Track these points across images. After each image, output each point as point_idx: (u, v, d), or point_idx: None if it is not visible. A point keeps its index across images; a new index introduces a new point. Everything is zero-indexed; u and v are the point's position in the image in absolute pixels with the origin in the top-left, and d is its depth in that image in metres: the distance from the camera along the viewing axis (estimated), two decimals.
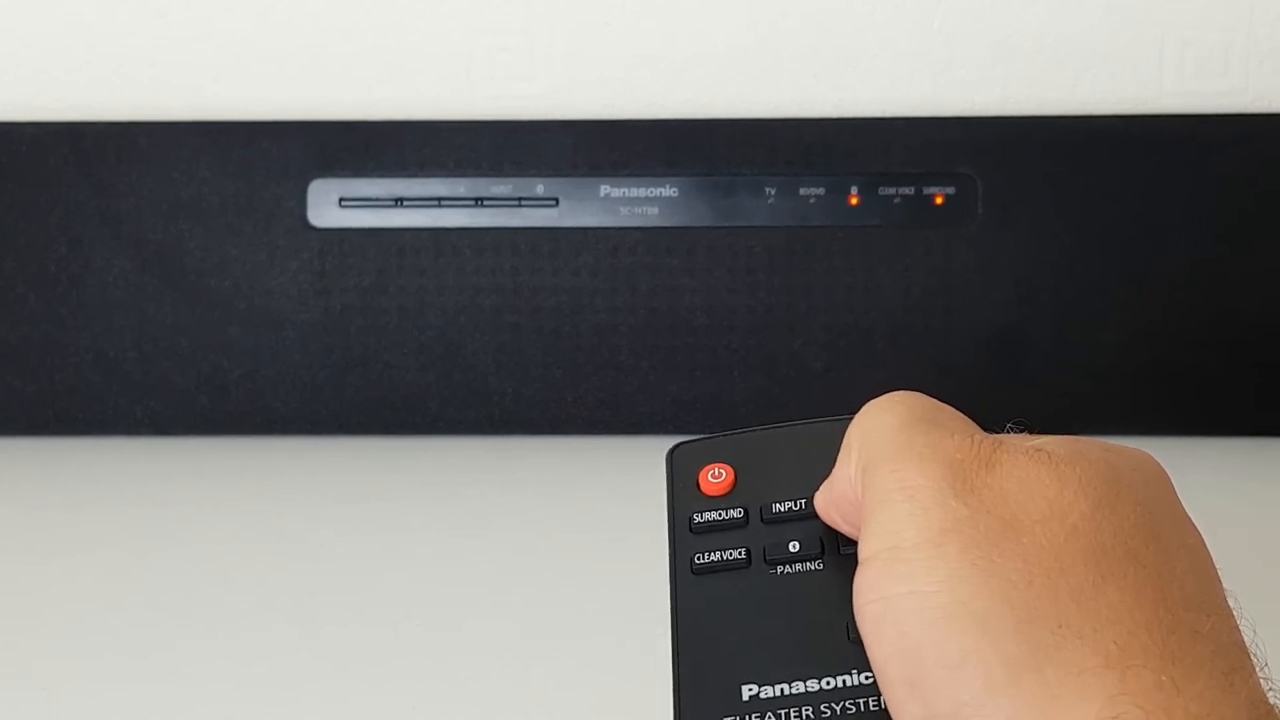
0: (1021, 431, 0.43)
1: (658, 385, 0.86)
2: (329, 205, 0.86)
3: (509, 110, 0.89)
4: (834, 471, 0.42)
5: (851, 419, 0.43)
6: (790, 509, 0.45)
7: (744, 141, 0.85)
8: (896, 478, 0.38)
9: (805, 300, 0.85)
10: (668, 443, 0.85)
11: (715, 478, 0.46)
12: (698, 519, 0.45)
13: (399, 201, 0.85)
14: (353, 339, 0.86)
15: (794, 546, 0.44)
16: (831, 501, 0.42)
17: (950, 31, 0.89)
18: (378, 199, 0.86)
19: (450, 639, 0.64)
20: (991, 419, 0.84)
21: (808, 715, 0.40)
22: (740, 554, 0.44)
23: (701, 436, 0.48)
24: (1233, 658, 0.35)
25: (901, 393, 0.42)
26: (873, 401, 0.42)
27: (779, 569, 0.43)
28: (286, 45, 0.90)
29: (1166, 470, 0.40)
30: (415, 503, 0.79)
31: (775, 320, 0.85)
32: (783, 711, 0.41)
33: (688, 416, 0.86)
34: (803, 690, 0.41)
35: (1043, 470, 0.37)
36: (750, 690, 0.41)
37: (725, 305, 0.85)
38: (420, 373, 0.86)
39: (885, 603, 0.36)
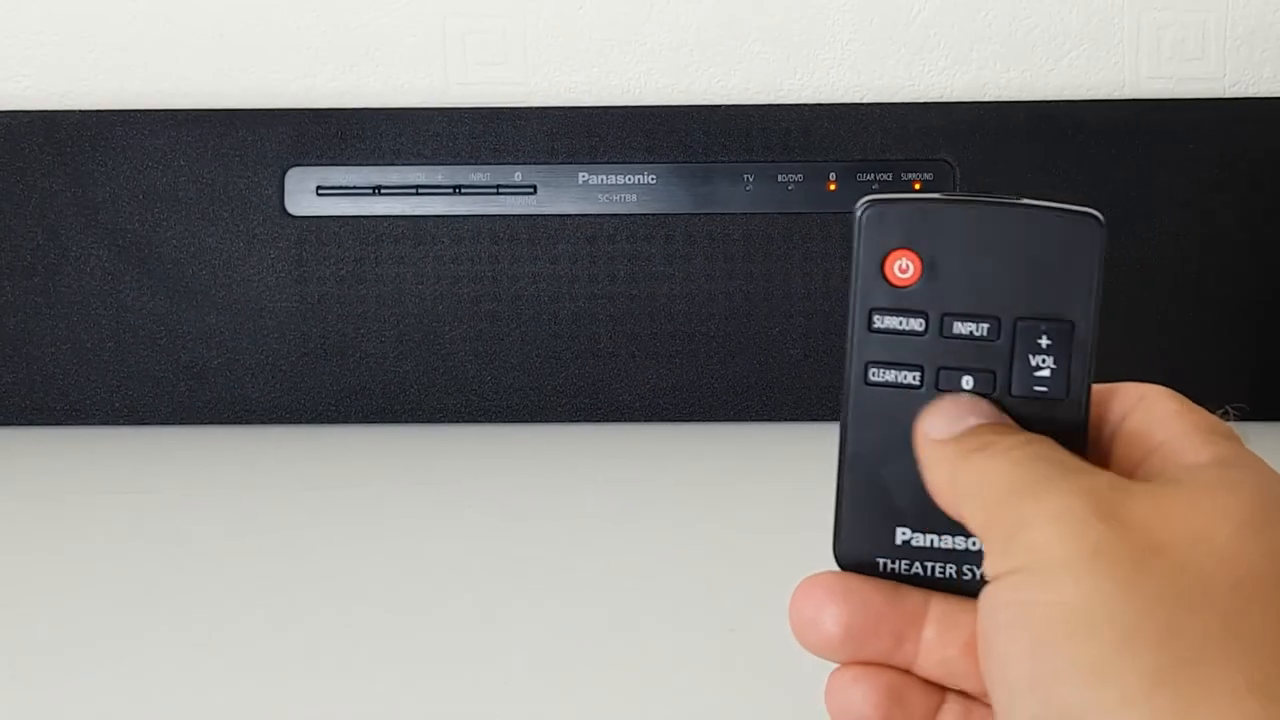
0: (1237, 416, 0.42)
1: (636, 372, 0.86)
2: (306, 193, 0.85)
3: (482, 95, 0.89)
4: (946, 476, 0.41)
5: (1074, 211, 0.41)
6: (971, 331, 0.41)
7: (722, 128, 0.85)
8: (1036, 507, 0.37)
9: (783, 286, 0.85)
10: (647, 430, 0.85)
11: (902, 271, 0.42)
12: (878, 321, 0.42)
13: (376, 189, 0.85)
14: (331, 327, 0.86)
15: (967, 382, 0.41)
16: (934, 488, 0.41)
17: (927, 17, 0.89)
18: (355, 187, 0.85)
19: (429, 628, 0.64)
20: None
21: (950, 573, 0.40)
22: (914, 378, 0.42)
23: (902, 199, 0.42)
24: None
25: (1018, 440, 0.40)
26: (989, 448, 0.40)
27: None
28: (262, 33, 0.90)
29: None
30: (393, 491, 0.79)
31: (754, 307, 0.85)
32: (930, 564, 0.41)
33: (666, 403, 0.86)
34: (951, 546, 0.40)
35: (1179, 499, 0.37)
36: (904, 535, 0.41)
37: (704, 292, 0.85)
38: (398, 361, 0.86)
39: (1021, 608, 0.36)
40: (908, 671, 0.42)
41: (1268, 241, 0.84)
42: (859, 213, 0.42)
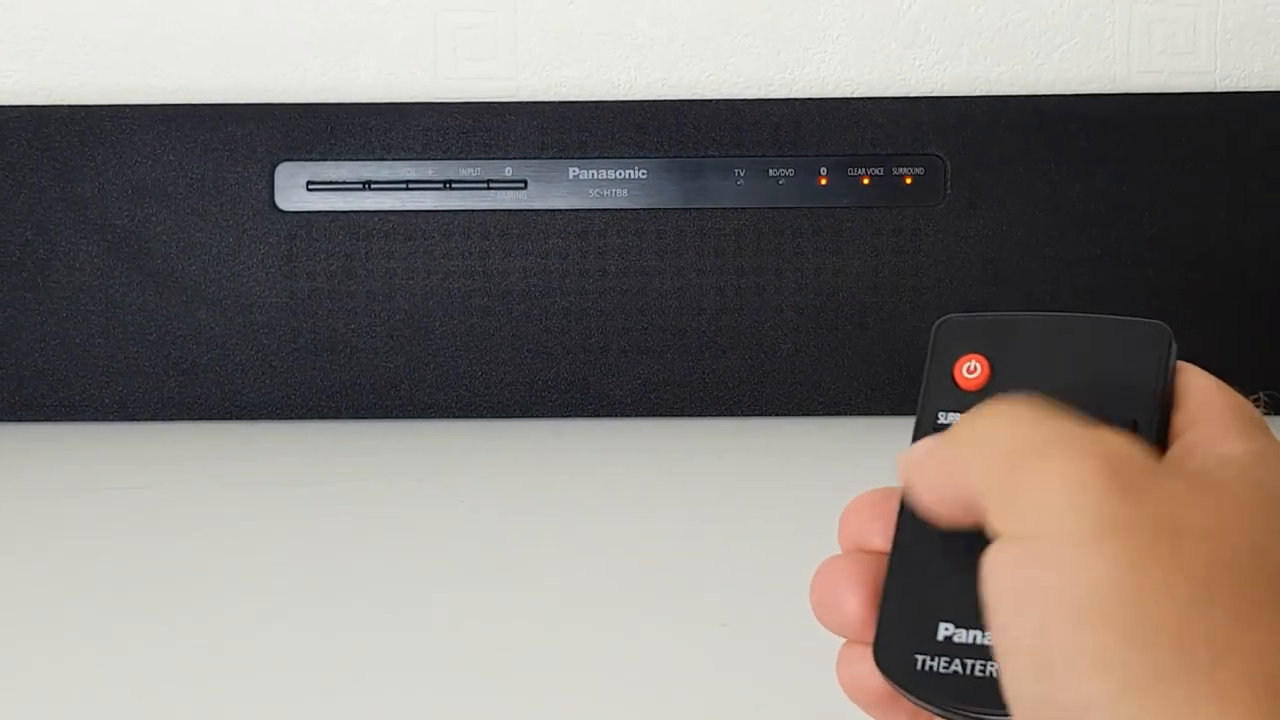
0: (1267, 404, 0.41)
1: (627, 367, 0.86)
2: (296, 189, 0.85)
3: (472, 90, 0.89)
4: (935, 457, 0.39)
5: (1141, 322, 0.43)
6: None
7: (713, 122, 0.85)
8: (1055, 466, 0.36)
9: (775, 281, 0.85)
10: (639, 425, 0.85)
11: (970, 372, 0.43)
12: (942, 418, 0.42)
13: (367, 184, 0.85)
14: (321, 323, 0.86)
15: None
16: (926, 483, 0.40)
17: (918, 11, 0.89)
18: (345, 182, 0.85)
19: (421, 623, 0.64)
20: None
21: (993, 672, 0.38)
22: None
23: (976, 315, 0.44)
24: None
25: (1018, 400, 0.39)
26: (987, 408, 0.39)
27: None
28: (253, 28, 0.89)
29: None
30: (384, 486, 0.79)
31: (745, 301, 0.85)
32: (971, 662, 0.39)
33: (657, 398, 0.86)
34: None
35: (1206, 485, 0.36)
36: (946, 630, 0.39)
37: (695, 286, 0.85)
38: (389, 356, 0.86)
39: (1030, 584, 0.35)
40: None
41: (1259, 235, 0.84)
42: (935, 327, 0.44)
